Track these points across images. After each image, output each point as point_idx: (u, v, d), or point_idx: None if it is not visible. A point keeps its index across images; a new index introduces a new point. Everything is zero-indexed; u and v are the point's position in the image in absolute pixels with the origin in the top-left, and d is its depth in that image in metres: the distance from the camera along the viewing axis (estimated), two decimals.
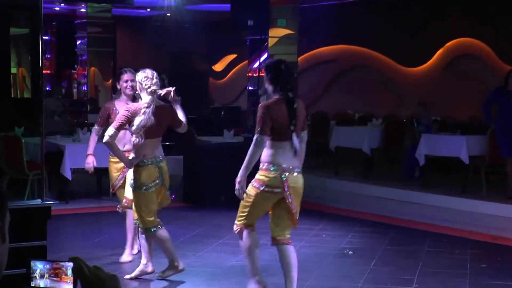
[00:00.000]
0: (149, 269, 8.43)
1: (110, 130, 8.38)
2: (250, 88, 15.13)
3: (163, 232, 8.41)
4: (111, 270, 2.54)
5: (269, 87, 7.17)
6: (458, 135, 13.95)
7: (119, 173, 9.67)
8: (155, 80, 8.69)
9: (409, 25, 19.23)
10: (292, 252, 7.30)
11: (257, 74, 14.70)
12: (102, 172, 13.91)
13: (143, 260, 8.40)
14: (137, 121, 8.30)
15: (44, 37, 8.12)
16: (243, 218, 7.33)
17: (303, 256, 9.72)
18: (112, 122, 9.12)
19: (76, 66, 24.46)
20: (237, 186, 7.08)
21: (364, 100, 19.01)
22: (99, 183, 14.26)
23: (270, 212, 7.35)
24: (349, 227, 11.54)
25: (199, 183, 13.72)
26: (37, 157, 8.38)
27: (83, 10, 22.83)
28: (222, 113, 19.93)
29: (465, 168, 13.74)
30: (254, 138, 7.06)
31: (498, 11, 17.48)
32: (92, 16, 23.09)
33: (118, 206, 9.72)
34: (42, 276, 2.49)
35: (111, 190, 10.25)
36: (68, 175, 12.93)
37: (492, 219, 12.00)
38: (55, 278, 2.48)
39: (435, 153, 14.20)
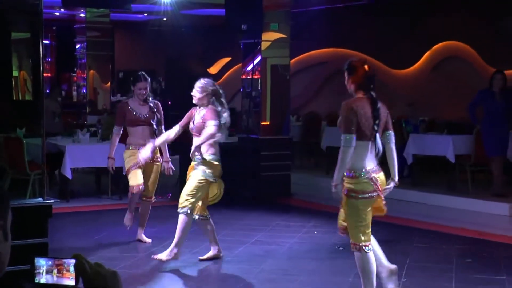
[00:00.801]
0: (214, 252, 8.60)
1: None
2: (242, 89, 15.13)
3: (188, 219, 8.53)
4: (111, 267, 2.57)
5: (351, 86, 7.07)
6: (445, 135, 14.00)
7: (137, 165, 10.03)
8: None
9: (397, 28, 19.25)
10: (372, 256, 7.03)
11: (250, 77, 14.68)
12: (101, 172, 13.96)
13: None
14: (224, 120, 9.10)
15: (44, 41, 8.11)
16: (358, 233, 6.98)
17: (295, 252, 9.77)
18: (128, 122, 10.07)
19: (75, 69, 24.43)
20: (333, 190, 6.94)
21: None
22: (98, 182, 14.27)
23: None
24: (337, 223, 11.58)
25: None
26: (38, 158, 8.39)
27: (82, 15, 22.80)
28: None
29: (452, 167, 13.79)
30: (342, 138, 6.90)
31: (484, 15, 17.53)
32: (91, 21, 23.07)
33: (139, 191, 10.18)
34: (45, 273, 2.51)
35: (126, 174, 10.38)
36: (68, 174, 12.95)
37: (477, 216, 12.06)
38: (57, 274, 2.50)
39: (422, 152, 14.25)
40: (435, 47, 18.71)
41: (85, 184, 14.45)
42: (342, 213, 7.19)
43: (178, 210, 9.03)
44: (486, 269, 8.81)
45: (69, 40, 24.59)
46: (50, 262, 2.50)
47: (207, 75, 24.14)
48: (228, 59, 23.75)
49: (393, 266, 7.24)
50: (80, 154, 13.28)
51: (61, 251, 8.00)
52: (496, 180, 12.97)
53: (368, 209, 6.95)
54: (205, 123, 9.01)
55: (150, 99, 10.26)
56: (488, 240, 10.44)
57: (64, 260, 2.50)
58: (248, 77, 14.86)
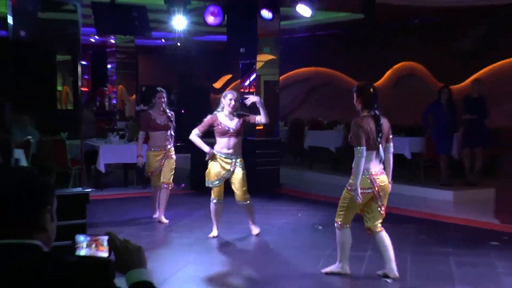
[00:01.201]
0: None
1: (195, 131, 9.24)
2: (242, 100, 15.11)
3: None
4: (136, 242, 2.57)
5: (358, 105, 7.01)
6: (403, 137, 14.00)
7: (158, 163, 10.19)
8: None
9: (365, 51, 19.24)
10: (385, 237, 7.12)
11: (247, 90, 14.69)
12: (128, 167, 13.96)
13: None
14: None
15: (82, 62, 8.09)
16: (341, 216, 7.09)
17: (282, 231, 9.78)
18: (151, 128, 10.14)
19: (107, 84, 24.41)
20: (353, 193, 6.81)
21: (331, 110, 19.00)
22: (125, 175, 14.26)
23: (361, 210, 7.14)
24: (319, 208, 11.56)
25: (203, 174, 13.71)
26: (77, 155, 8.37)
27: (112, 41, 22.79)
28: None
29: (408, 162, 13.86)
30: (355, 151, 6.81)
31: (433, 41, 17.54)
32: (119, 46, 23.05)
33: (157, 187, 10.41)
34: (84, 247, 2.51)
35: (149, 174, 10.52)
36: (102, 169, 12.98)
37: (429, 201, 12.09)
38: (94, 248, 2.50)
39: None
40: (395, 66, 18.72)
41: (115, 176, 14.43)
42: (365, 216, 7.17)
43: (245, 201, 9.34)
44: (436, 243, 8.84)
45: (102, 61, 24.57)
46: (88, 238, 2.50)
47: (212, 89, 24.26)
48: (229, 76, 23.74)
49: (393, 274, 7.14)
50: (111, 153, 13.28)
51: (96, 229, 7.97)
52: (443, 173, 13.03)
53: (358, 204, 6.94)
54: (248, 121, 9.22)
55: (167, 109, 10.29)
56: (437, 221, 10.46)
57: (99, 237, 2.51)
58: (246, 90, 14.83)
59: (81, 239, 2.50)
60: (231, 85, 23.42)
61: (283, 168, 14.75)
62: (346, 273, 7.18)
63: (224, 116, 9.03)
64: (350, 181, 6.91)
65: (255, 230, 9.40)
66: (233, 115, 9.04)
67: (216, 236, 9.25)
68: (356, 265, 7.84)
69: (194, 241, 9.13)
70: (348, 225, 7.10)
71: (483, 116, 13.28)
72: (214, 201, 9.20)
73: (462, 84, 15.91)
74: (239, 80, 15.43)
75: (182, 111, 20.26)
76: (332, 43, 20.38)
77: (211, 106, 23.15)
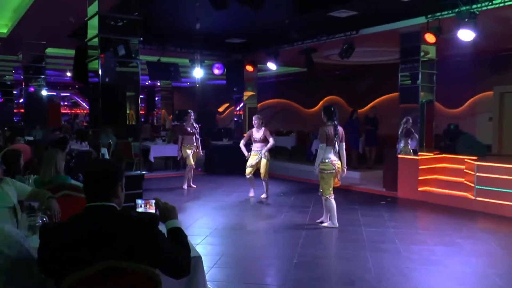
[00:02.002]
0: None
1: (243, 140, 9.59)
2: (235, 119, 15.07)
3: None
4: (172, 203, 2.56)
5: (324, 118, 6.94)
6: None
7: (189, 153, 10.42)
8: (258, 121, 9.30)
9: (307, 89, 19.30)
10: (333, 202, 6.96)
11: (238, 113, 14.68)
12: (167, 158, 13.88)
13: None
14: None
15: (140, 96, 8.05)
16: (324, 191, 6.89)
17: (256, 199, 9.73)
18: (184, 132, 10.41)
19: (155, 109, 24.33)
20: (316, 172, 6.85)
21: (288, 124, 19.06)
22: (166, 163, 14.19)
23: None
24: (281, 183, 11.55)
25: (212, 163, 13.69)
26: (137, 151, 8.31)
27: (158, 84, 22.74)
28: (222, 131, 19.84)
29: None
30: (320, 145, 6.81)
31: (346, 83, 17.62)
32: (162, 87, 23.01)
33: (190, 166, 10.51)
34: (140, 206, 2.50)
35: (182, 158, 10.77)
36: (152, 159, 12.91)
37: (346, 178, 12.13)
38: (146, 207, 2.50)
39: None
40: (325, 98, 18.76)
41: (159, 164, 14.35)
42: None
43: (266, 178, 9.32)
44: (350, 203, 8.85)
45: (152, 96, 24.49)
46: (143, 201, 2.51)
47: (217, 112, 24.24)
48: (227, 104, 23.72)
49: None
50: (157, 149, 13.21)
51: (148, 196, 7.94)
52: (354, 160, 13.04)
53: (331, 179, 6.89)
54: (267, 137, 9.22)
55: (194, 123, 10.42)
56: (351, 189, 10.47)
57: (149, 200, 2.51)
58: (237, 113, 14.81)
59: (139, 202, 2.51)
60: (229, 110, 23.41)
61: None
62: (336, 227, 6.99)
63: (254, 130, 9.36)
64: (321, 166, 6.84)
65: (264, 195, 9.50)
66: (259, 129, 9.29)
67: (253, 196, 9.54)
68: (302, 216, 7.85)
69: (207, 202, 9.10)
70: (331, 195, 6.93)
71: (376, 128, 13.36)
72: (248, 176, 9.39)
73: (363, 109, 15.97)
74: (233, 107, 15.39)
75: (199, 125, 20.18)
76: (287, 85, 20.41)
77: (216, 122, 23.19)
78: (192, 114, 10.66)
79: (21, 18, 9.74)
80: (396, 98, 10.55)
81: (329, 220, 7.07)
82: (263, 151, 9.19)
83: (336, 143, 6.85)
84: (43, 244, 2.16)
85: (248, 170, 9.33)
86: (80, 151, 9.69)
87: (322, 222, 7.16)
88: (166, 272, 2.27)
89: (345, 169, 7.07)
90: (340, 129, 6.94)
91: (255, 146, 9.30)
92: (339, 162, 6.92)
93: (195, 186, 10.73)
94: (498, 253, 5.89)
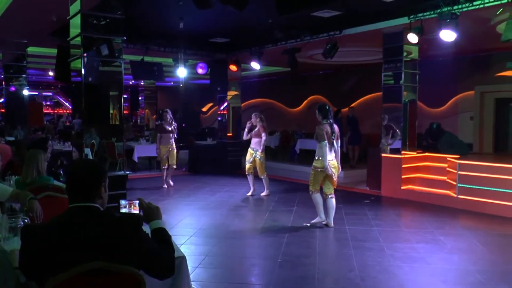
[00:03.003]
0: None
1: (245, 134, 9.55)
2: (219, 118, 15.05)
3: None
4: (156, 203, 2.55)
5: (319, 117, 6.89)
6: (313, 139, 14.02)
7: (167, 152, 10.51)
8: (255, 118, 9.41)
9: (291, 89, 19.33)
10: (333, 201, 7.00)
11: (222, 112, 14.65)
12: (150, 158, 13.80)
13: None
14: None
15: (124, 96, 7.99)
16: (311, 186, 6.93)
17: (244, 195, 9.72)
18: (162, 131, 10.49)
19: (139, 109, 24.18)
20: (325, 170, 6.73)
21: (272, 124, 18.98)
22: (150, 163, 14.11)
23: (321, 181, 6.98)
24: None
25: (196, 163, 13.65)
26: (121, 151, 8.24)
27: (142, 83, 22.59)
28: (206, 130, 19.82)
29: None
30: (321, 144, 6.72)
31: (330, 83, 17.70)
32: (146, 86, 22.87)
33: (164, 167, 10.62)
34: (124, 207, 2.48)
35: (161, 158, 10.68)
36: (135, 159, 12.82)
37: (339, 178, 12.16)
38: (130, 208, 2.48)
39: (303, 147, 14.31)
40: (309, 98, 18.84)
41: (143, 164, 14.26)
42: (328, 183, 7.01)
43: (263, 176, 9.47)
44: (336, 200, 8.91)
45: (136, 95, 24.32)
46: (127, 202, 2.49)
47: (201, 112, 24.17)
48: (211, 104, 23.64)
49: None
50: (141, 149, 13.13)
51: (132, 197, 7.87)
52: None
53: (320, 176, 6.88)
54: (260, 132, 9.34)
55: (173, 122, 10.54)
56: (335, 189, 10.53)
57: (133, 201, 2.50)
58: (221, 112, 14.79)
59: (123, 202, 2.49)
60: (212, 109, 23.35)
61: (243, 158, 14.69)
62: (323, 221, 7.03)
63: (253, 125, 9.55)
64: (314, 164, 6.85)
65: (264, 193, 9.64)
66: (256, 125, 9.45)
67: (253, 195, 9.64)
68: (287, 215, 7.87)
69: (191, 202, 9.07)
70: (317, 191, 6.96)
71: (356, 128, 13.40)
72: (247, 172, 9.59)
73: (346, 108, 16.04)
74: (217, 106, 15.36)
75: (183, 125, 20.11)
76: (272, 84, 20.42)
77: (201, 122, 23.13)
78: (170, 112, 10.71)
79: (1, 16, 9.58)
80: (379, 97, 10.63)
81: (318, 215, 7.10)
82: (258, 151, 9.34)
83: (334, 141, 6.86)
84: (25, 246, 2.13)
85: (247, 166, 9.53)
86: (62, 152, 9.59)
87: (326, 225, 7.09)
88: (150, 272, 2.26)
89: (340, 167, 7.07)
90: (336, 127, 6.95)
91: (252, 142, 9.47)
92: (335, 162, 6.90)
93: (172, 184, 10.82)
94: (480, 250, 5.97)
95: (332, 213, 7.05)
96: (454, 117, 13.63)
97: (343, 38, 10.42)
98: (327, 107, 6.97)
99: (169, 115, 10.64)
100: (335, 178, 6.92)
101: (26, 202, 3.44)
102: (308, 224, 7.11)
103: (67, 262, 2.04)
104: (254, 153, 9.42)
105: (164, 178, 10.74)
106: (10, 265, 2.27)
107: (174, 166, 10.79)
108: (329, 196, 7.00)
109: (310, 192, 7.03)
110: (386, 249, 5.91)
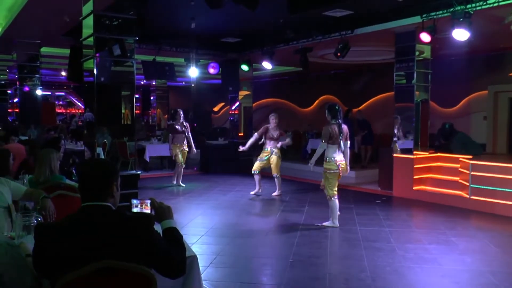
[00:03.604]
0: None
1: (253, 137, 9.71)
2: (230, 118, 15.07)
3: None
4: (167, 203, 2.56)
5: (328, 117, 6.91)
6: None
7: (180, 151, 10.53)
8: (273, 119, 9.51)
9: (303, 89, 19.30)
10: (337, 202, 6.99)
11: (233, 112, 14.68)
12: (162, 157, 13.84)
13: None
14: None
15: (136, 96, 8.04)
16: (328, 191, 6.92)
17: (256, 197, 9.72)
18: (175, 131, 10.50)
19: (150, 109, 24.27)
20: (311, 167, 6.94)
21: (283, 124, 18.93)
22: (161, 162, 14.16)
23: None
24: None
25: (207, 162, 13.68)
26: (133, 151, 8.28)
27: (154, 83, 22.65)
28: (218, 130, 19.84)
29: None
30: (321, 143, 6.82)
31: (341, 83, 17.63)
32: (158, 86, 22.92)
33: (180, 164, 10.64)
34: (136, 206, 2.49)
35: (174, 157, 10.69)
36: (147, 159, 12.88)
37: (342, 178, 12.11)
38: (141, 207, 2.49)
39: (315, 147, 14.11)
40: (320, 98, 18.80)
41: (155, 163, 14.32)
42: (323, 180, 7.03)
43: (277, 175, 9.53)
44: (345, 202, 8.84)
45: (148, 95, 24.43)
46: (138, 201, 2.50)
47: (213, 112, 24.21)
48: (223, 103, 23.69)
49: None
50: (153, 149, 13.18)
51: (144, 196, 7.92)
52: (350, 160, 13.03)
53: (334, 179, 6.90)
54: (282, 135, 9.60)
55: (184, 122, 10.48)
56: (346, 189, 10.48)
57: (145, 200, 2.51)
58: (232, 112, 14.81)
59: (134, 201, 2.50)
60: (224, 109, 23.39)
61: (254, 157, 14.69)
62: (336, 226, 6.99)
63: (271, 129, 9.59)
64: (325, 166, 6.85)
65: (276, 193, 9.66)
66: (276, 128, 9.56)
67: (260, 194, 9.66)
68: (298, 215, 7.86)
69: (202, 201, 9.09)
70: (334, 197, 6.92)
71: (369, 130, 13.34)
72: (255, 171, 9.62)
73: (360, 107, 15.97)
74: (228, 106, 15.39)
75: (195, 125, 20.17)
76: (283, 84, 20.40)
77: (212, 122, 23.17)
78: (182, 112, 10.73)
79: (16, 17, 9.69)
80: (391, 97, 10.57)
81: (331, 219, 7.07)
82: (275, 150, 9.46)
83: (341, 141, 6.84)
84: (38, 244, 2.15)
85: (257, 165, 9.56)
86: (75, 151, 9.67)
87: (330, 226, 7.08)
88: (161, 272, 2.27)
89: (349, 168, 7.06)
90: (344, 127, 6.94)
91: (269, 144, 9.52)
92: (343, 162, 6.91)
93: (184, 186, 10.75)
94: (492, 251, 5.91)
95: (337, 213, 7.08)
96: (467, 117, 13.51)
97: (355, 38, 10.38)
98: (337, 107, 6.96)
99: (182, 115, 10.66)
100: (341, 174, 6.93)
101: (39, 201, 3.48)
102: (320, 224, 7.10)
103: (79, 261, 2.05)
104: (271, 152, 9.50)
105: (176, 176, 10.76)
106: (24, 261, 2.29)
107: (183, 166, 10.86)
108: (334, 197, 7.01)
109: (328, 197, 6.99)
110: (397, 249, 5.88)
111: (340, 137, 6.82)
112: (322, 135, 6.85)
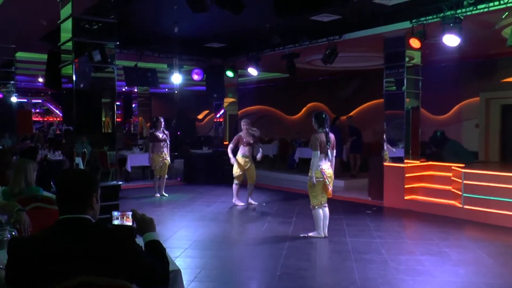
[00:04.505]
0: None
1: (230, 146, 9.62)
2: (215, 126, 15.05)
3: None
4: (150, 215, 2.53)
5: (315, 125, 6.93)
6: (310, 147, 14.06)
7: (160, 161, 10.56)
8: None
9: (289, 95, 19.36)
10: (327, 211, 7.01)
11: (218, 120, 14.67)
12: (144, 167, 13.75)
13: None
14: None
15: (117, 103, 8.00)
16: (313, 200, 6.91)
17: (238, 209, 9.69)
18: (155, 140, 10.53)
19: (132, 116, 24.16)
20: (310, 180, 6.80)
21: (270, 131, 19.02)
22: (143, 173, 14.06)
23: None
24: (264, 192, 11.53)
25: (191, 172, 13.61)
26: (114, 161, 8.22)
27: (135, 90, 22.58)
28: (202, 138, 19.77)
29: None
30: (314, 153, 6.77)
31: (329, 89, 17.72)
32: (140, 93, 22.86)
33: (157, 177, 10.73)
34: (116, 218, 2.47)
35: (155, 168, 10.74)
36: (129, 169, 12.78)
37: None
38: (123, 220, 2.47)
39: (303, 156, 14.24)
40: (308, 105, 18.86)
41: (137, 173, 14.21)
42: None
43: (251, 182, 9.70)
44: (334, 212, 8.84)
45: (129, 102, 24.32)
46: (119, 213, 2.48)
47: (197, 119, 24.15)
48: (207, 111, 23.63)
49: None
50: (135, 159, 13.07)
51: (125, 208, 7.84)
52: (338, 168, 13.07)
53: (319, 187, 6.85)
54: (255, 136, 9.60)
55: (165, 130, 10.73)
56: (334, 199, 10.49)
57: (126, 212, 2.49)
58: (217, 120, 14.79)
59: (115, 214, 2.48)
60: (208, 117, 23.36)
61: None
62: (321, 236, 7.00)
63: (243, 134, 9.56)
64: (309, 174, 6.84)
65: (252, 200, 9.83)
66: (248, 134, 9.54)
67: (243, 204, 9.70)
68: (285, 226, 7.84)
69: (186, 213, 9.04)
70: (318, 206, 6.91)
71: (359, 136, 13.43)
72: (237, 182, 9.71)
73: (345, 116, 16.04)
74: (213, 114, 15.37)
75: (179, 133, 20.09)
76: (269, 91, 20.43)
77: (196, 129, 23.11)
78: (163, 120, 10.73)
79: None
80: (380, 104, 10.65)
81: (316, 230, 7.07)
82: (258, 156, 9.53)
83: (329, 150, 6.88)
84: (11, 259, 2.11)
85: (238, 175, 9.58)
86: (53, 161, 9.56)
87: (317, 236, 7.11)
88: (143, 287, 2.24)
89: (333, 177, 7.06)
90: (331, 136, 6.98)
91: (244, 150, 9.51)
92: (330, 171, 6.92)
93: (166, 195, 10.82)
94: (486, 262, 5.95)
95: (326, 223, 7.06)
96: (459, 125, 13.66)
97: (343, 43, 10.45)
98: (324, 115, 7.00)
99: (163, 123, 10.67)
100: (330, 188, 6.92)
101: (14, 214, 3.42)
102: (306, 235, 7.09)
103: (56, 277, 2.01)
104: (249, 160, 9.51)
105: (157, 188, 10.77)
106: None
107: (166, 176, 10.83)
108: (323, 205, 6.99)
109: (312, 207, 6.98)
110: (389, 261, 5.89)
111: (328, 146, 6.85)
112: (311, 145, 6.87)
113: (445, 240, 7.02)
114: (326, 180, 6.83)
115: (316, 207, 6.94)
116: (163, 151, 10.60)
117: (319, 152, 6.78)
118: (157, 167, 10.67)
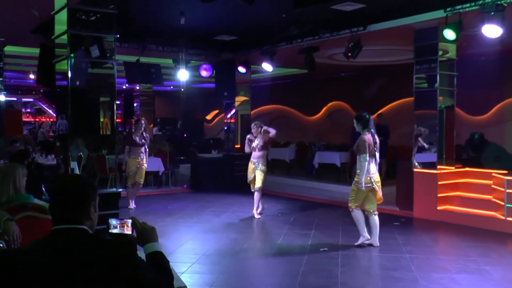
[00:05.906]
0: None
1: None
2: (225, 128, 15.09)
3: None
4: (151, 224, 2.55)
5: (359, 127, 7.08)
6: (334, 152, 14.06)
7: (135, 167, 10.29)
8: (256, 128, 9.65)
9: (308, 94, 19.36)
10: (377, 219, 7.23)
11: (229, 121, 14.72)
12: (147, 174, 13.78)
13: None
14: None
15: (117, 102, 8.04)
16: (352, 202, 7.20)
17: (251, 219, 9.69)
18: (132, 146, 10.20)
19: (134, 117, 24.30)
20: (359, 186, 7.00)
21: (286, 134, 19.01)
22: (145, 181, 14.12)
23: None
24: (278, 201, 11.52)
25: (199, 179, 13.65)
26: (113, 165, 8.29)
27: (137, 87, 22.69)
28: (211, 141, 19.85)
29: (338, 169, 13.83)
30: (362, 157, 6.93)
31: (352, 87, 17.69)
32: (142, 91, 22.98)
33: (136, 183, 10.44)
34: (115, 227, 2.49)
35: (128, 174, 10.44)
36: None
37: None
38: (122, 228, 2.49)
39: (322, 161, 14.24)
40: (328, 104, 18.86)
41: None
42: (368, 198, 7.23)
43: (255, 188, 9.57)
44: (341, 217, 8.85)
45: (130, 101, 24.49)
46: (118, 221, 2.49)
47: (205, 120, 24.25)
48: (217, 111, 23.73)
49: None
50: None
51: (124, 215, 7.87)
52: None
53: (364, 194, 7.09)
54: (265, 141, 9.59)
55: (145, 133, 10.52)
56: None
57: (125, 220, 2.51)
58: (228, 121, 14.84)
59: (114, 222, 2.51)
60: (218, 117, 23.43)
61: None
62: (367, 239, 7.29)
63: (252, 138, 9.72)
64: (356, 179, 7.08)
65: (259, 209, 9.75)
66: (258, 138, 9.61)
67: (258, 214, 9.65)
68: (304, 239, 7.83)
69: (193, 224, 9.06)
70: (357, 207, 7.20)
71: (387, 138, 13.40)
72: (253, 190, 9.69)
73: (380, 111, 15.97)
74: (223, 114, 15.41)
75: (185, 135, 20.18)
76: (286, 89, 20.45)
77: (204, 131, 23.19)
78: (144, 122, 10.68)
79: None
80: (410, 103, 10.59)
81: (361, 234, 7.35)
82: (260, 165, 9.52)
83: (376, 153, 7.04)
84: None
85: (251, 185, 9.67)
86: (43, 165, 9.63)
87: (370, 245, 7.33)
88: None
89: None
90: (377, 139, 7.15)
91: (253, 156, 9.58)
92: (377, 175, 7.14)
93: (134, 207, 10.56)
94: None
95: (376, 232, 7.28)
96: (501, 126, 13.53)
97: (368, 35, 10.42)
98: (367, 116, 7.13)
99: (143, 125, 10.50)
100: (380, 193, 7.13)
101: (2, 224, 3.45)
102: (326, 249, 7.15)
103: None
104: (255, 167, 9.59)
105: (130, 197, 10.56)
106: None
107: (141, 184, 10.69)
108: (372, 213, 7.21)
109: (350, 209, 7.26)
110: (419, 279, 5.85)
111: (375, 148, 7.02)
112: (357, 148, 7.02)
113: (485, 256, 6.94)
114: (375, 185, 7.04)
115: (354, 208, 7.18)
116: (140, 156, 10.36)
117: (367, 155, 6.91)
118: (131, 173, 10.36)
